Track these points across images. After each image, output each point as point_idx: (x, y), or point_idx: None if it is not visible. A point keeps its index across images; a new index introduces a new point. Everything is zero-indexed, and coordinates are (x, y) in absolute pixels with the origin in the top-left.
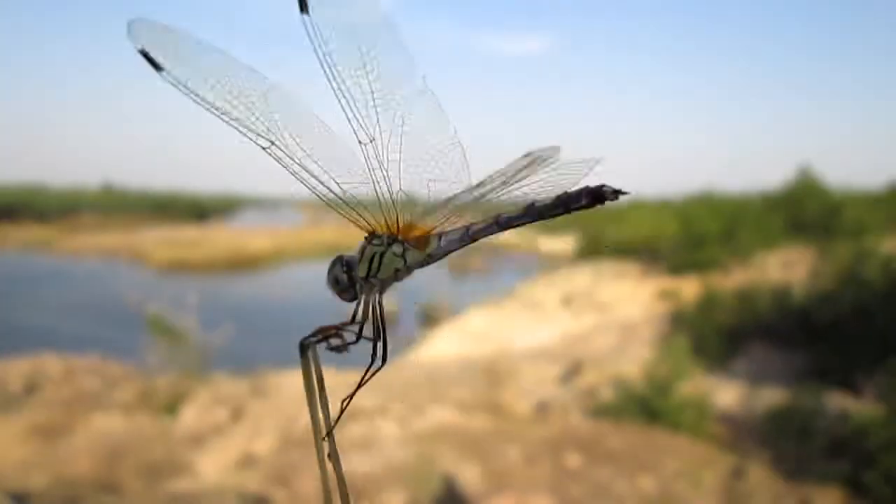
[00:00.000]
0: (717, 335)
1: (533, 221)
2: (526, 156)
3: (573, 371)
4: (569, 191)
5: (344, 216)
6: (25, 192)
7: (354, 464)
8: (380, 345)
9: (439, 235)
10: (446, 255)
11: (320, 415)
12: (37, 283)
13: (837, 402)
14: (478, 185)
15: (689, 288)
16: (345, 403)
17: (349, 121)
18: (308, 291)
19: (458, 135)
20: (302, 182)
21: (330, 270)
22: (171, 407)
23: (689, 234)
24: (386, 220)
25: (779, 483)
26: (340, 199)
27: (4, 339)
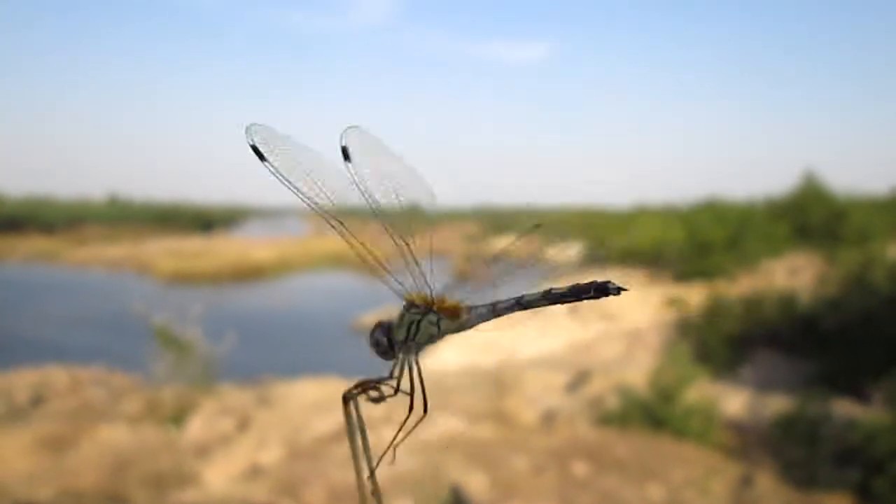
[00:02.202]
0: (724, 343)
1: (550, 305)
2: (536, 226)
3: (580, 379)
4: (580, 283)
5: (391, 287)
6: (31, 204)
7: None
8: (418, 398)
9: (469, 308)
10: (475, 325)
11: (362, 457)
12: (42, 295)
13: (845, 409)
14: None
15: (696, 295)
16: (389, 450)
17: (389, 234)
18: (313, 301)
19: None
20: (359, 255)
21: (371, 334)
22: (178, 418)
23: (695, 242)
24: (424, 293)
25: (787, 491)
26: (389, 273)
27: (10, 351)
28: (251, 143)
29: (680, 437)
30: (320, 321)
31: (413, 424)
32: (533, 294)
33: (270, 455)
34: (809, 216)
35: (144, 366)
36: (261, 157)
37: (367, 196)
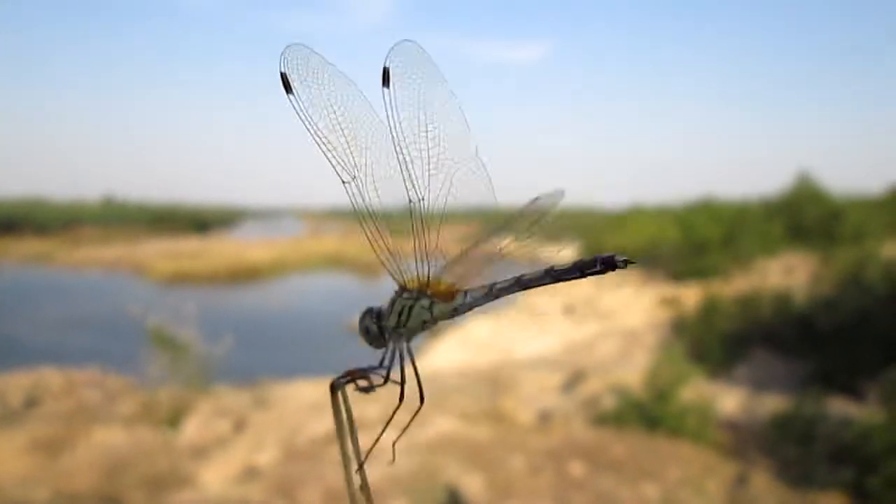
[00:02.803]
0: (719, 342)
1: (552, 283)
2: (534, 200)
3: (576, 379)
4: (584, 258)
5: (385, 266)
6: (26, 206)
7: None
8: (414, 389)
9: (465, 292)
10: (471, 309)
11: (350, 449)
12: (37, 297)
13: (840, 407)
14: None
15: (691, 295)
16: (372, 444)
17: (404, 180)
18: (309, 302)
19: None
20: (359, 222)
21: (361, 321)
22: (173, 419)
23: (690, 241)
24: (418, 275)
25: (782, 490)
26: (388, 249)
27: (5, 353)
28: (282, 70)
29: (675, 437)
30: (316, 322)
31: (411, 417)
32: (533, 273)
33: (266, 456)
34: (804, 215)
35: (140, 367)
36: (288, 89)
37: (396, 132)
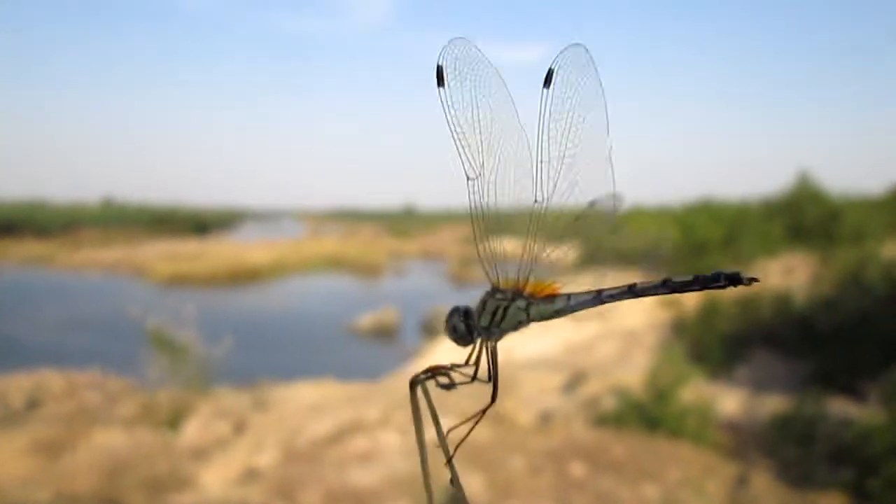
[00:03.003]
0: (719, 342)
1: (666, 294)
2: (591, 204)
3: (576, 380)
4: (705, 274)
5: (482, 265)
6: (26, 208)
7: (357, 476)
8: (481, 384)
9: (568, 295)
10: (573, 311)
11: (427, 445)
12: (38, 299)
13: (841, 408)
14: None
15: (691, 295)
16: (462, 438)
17: (534, 181)
18: (309, 304)
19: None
20: (472, 220)
21: (448, 319)
22: (173, 421)
23: (690, 242)
24: (518, 277)
25: (782, 490)
26: (489, 249)
27: (6, 355)
28: (439, 62)
29: (676, 438)
30: (316, 323)
31: (480, 413)
32: (647, 282)
33: (267, 458)
34: (804, 216)
35: (140, 369)
36: (441, 82)
37: (541, 148)
